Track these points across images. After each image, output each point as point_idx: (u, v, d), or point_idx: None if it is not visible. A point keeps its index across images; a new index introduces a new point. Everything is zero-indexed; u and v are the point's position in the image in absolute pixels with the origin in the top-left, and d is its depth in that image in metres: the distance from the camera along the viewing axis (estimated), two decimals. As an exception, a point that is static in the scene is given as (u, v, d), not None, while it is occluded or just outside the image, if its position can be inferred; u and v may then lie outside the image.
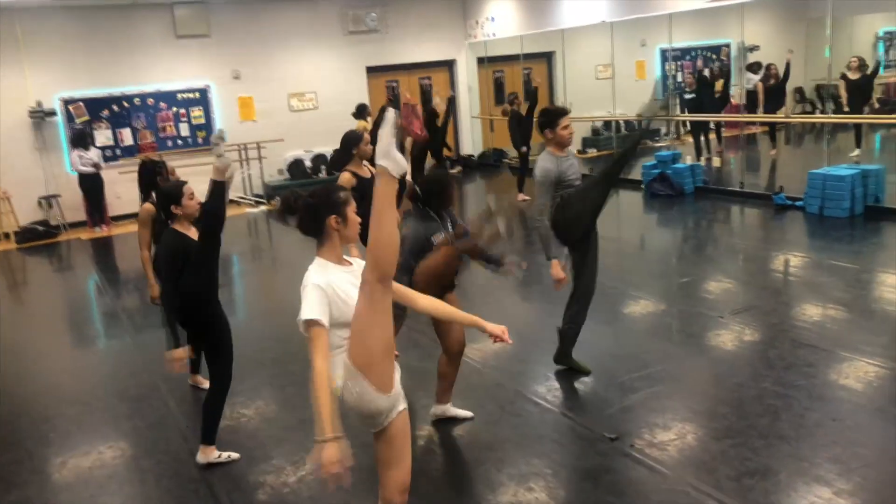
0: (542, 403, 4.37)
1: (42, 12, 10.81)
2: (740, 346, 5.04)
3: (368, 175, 4.97)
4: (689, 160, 10.79)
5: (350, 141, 5.08)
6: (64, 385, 5.34)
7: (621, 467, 3.63)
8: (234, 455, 3.99)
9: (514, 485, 3.55)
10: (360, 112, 10.79)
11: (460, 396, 4.59)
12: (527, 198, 10.72)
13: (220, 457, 3.95)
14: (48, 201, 11.17)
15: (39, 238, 10.71)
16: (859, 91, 10.42)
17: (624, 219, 9.87)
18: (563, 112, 4.61)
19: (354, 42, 13.22)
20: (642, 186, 10.54)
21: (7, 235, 10.73)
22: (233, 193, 12.03)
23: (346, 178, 4.96)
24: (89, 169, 10.72)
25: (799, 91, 13.99)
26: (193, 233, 3.92)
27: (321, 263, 2.63)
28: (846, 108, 10.76)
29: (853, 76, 10.45)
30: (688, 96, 11.56)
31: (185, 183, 4.01)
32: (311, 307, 2.51)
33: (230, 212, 11.70)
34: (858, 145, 10.75)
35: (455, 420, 4.25)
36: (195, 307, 3.80)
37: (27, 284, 9.03)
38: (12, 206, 10.75)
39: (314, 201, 2.65)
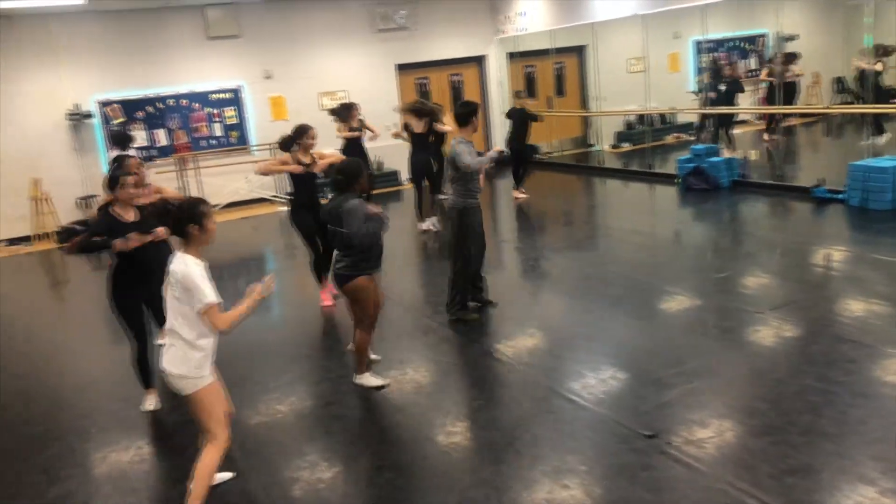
0: (576, 400, 4.33)
1: (77, 17, 11.01)
2: (779, 341, 4.93)
3: (309, 161, 6.19)
4: (725, 153, 10.61)
5: (299, 132, 6.18)
6: (102, 381, 5.43)
7: (658, 465, 3.57)
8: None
9: (549, 481, 3.52)
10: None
11: (493, 393, 4.58)
12: (524, 194, 10.64)
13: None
14: (85, 201, 11.40)
15: (78, 237, 10.90)
16: None
17: (658, 213, 9.75)
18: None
19: (384, 40, 13.24)
20: (677, 180, 10.39)
21: (48, 235, 10.98)
22: (267, 192, 12.16)
23: (286, 157, 6.15)
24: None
25: (839, 81, 13.67)
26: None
27: (190, 259, 3.23)
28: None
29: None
30: (722, 87, 11.35)
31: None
32: (211, 291, 3.16)
33: (264, 209, 11.83)
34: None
35: (488, 418, 4.24)
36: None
37: (67, 282, 9.22)
38: (52, 206, 11.00)
39: (178, 213, 3.26)
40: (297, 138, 6.20)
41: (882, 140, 10.11)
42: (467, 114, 5.66)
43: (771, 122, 12.05)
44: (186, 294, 3.18)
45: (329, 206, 4.64)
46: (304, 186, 6.28)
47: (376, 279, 4.77)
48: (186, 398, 3.33)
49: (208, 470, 3.35)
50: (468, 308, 5.85)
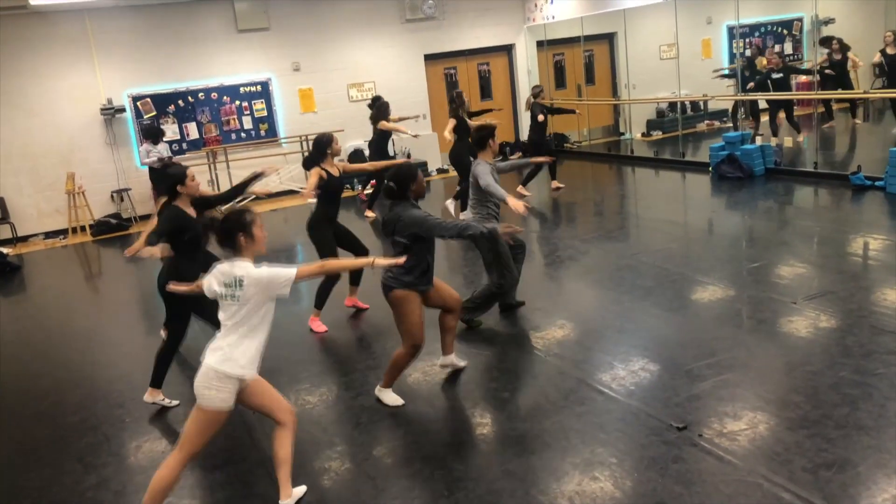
0: (606, 391, 4.28)
1: (110, 11, 11.16)
2: (815, 332, 4.83)
3: (337, 173, 5.77)
4: (758, 141, 10.41)
5: (323, 143, 5.71)
6: (137, 372, 5.50)
7: (689, 457, 3.52)
8: (175, 402, 4.77)
9: (579, 473, 3.49)
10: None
11: (523, 384, 4.56)
12: (561, 185, 10.53)
13: (164, 400, 4.78)
14: (120, 195, 11.58)
15: (112, 230, 11.12)
16: None
17: (690, 202, 9.61)
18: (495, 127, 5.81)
19: (412, 30, 13.22)
20: (710, 169, 10.22)
21: (83, 228, 11.18)
22: (296, 184, 12.23)
23: (315, 172, 5.66)
24: (156, 163, 11.03)
25: (879, 66, 13.29)
26: (192, 211, 4.64)
27: (247, 262, 3.28)
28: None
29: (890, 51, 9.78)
30: (776, 76, 11.10)
31: (187, 168, 4.79)
32: (287, 270, 3.22)
33: (295, 202, 11.86)
34: None
35: (517, 409, 4.21)
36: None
37: (102, 275, 9.39)
38: (87, 199, 11.20)
39: (225, 224, 3.28)
40: (326, 147, 5.74)
41: None
42: (482, 138, 5.65)
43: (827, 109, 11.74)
44: (264, 291, 3.24)
45: (387, 218, 4.29)
46: (330, 198, 5.88)
47: (432, 294, 4.46)
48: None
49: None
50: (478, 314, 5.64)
